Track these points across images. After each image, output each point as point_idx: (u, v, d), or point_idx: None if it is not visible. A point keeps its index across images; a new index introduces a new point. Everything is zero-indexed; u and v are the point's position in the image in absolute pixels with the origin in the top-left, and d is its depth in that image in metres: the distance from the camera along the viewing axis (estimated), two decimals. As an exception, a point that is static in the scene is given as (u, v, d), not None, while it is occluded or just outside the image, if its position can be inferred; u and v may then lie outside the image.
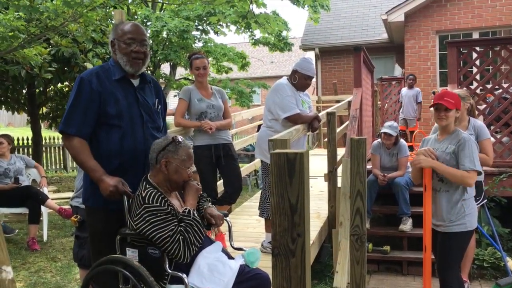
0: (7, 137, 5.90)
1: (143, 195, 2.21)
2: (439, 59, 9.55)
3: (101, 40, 8.17)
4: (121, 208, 2.31)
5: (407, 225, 5.00)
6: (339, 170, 5.07)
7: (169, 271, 2.15)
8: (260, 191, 7.58)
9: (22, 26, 5.99)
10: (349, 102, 6.55)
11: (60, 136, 2.43)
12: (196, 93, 4.12)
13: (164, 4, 10.69)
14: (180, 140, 2.36)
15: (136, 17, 10.30)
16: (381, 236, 5.21)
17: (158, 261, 2.17)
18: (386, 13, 9.53)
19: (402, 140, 5.22)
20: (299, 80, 4.04)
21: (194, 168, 2.45)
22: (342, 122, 9.92)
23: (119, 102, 2.32)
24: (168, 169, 2.29)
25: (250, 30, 10.14)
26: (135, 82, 2.44)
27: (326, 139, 5.34)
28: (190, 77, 12.65)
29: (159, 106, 2.53)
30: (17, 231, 5.54)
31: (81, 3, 5.21)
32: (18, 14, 5.89)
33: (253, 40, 12.26)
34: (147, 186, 2.28)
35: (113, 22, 8.68)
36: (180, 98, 4.20)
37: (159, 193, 2.24)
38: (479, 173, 3.16)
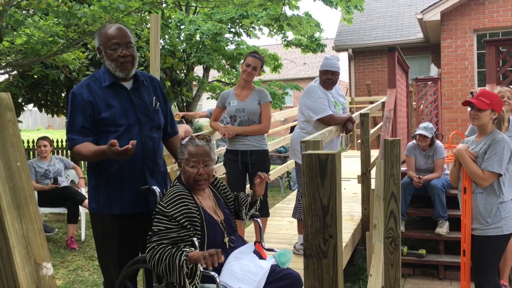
0: (48, 139, 6.11)
1: (168, 190, 2.27)
2: (477, 58, 9.29)
3: (136, 44, 8.34)
4: (124, 213, 2.37)
5: (443, 228, 4.88)
6: (373, 172, 5.00)
7: (201, 269, 2.17)
8: (292, 193, 7.59)
9: (61, 31, 6.18)
10: (383, 103, 6.45)
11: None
12: (231, 96, 4.04)
13: (198, 8, 10.82)
14: (186, 140, 2.38)
15: (170, 21, 10.47)
16: (416, 239, 5.10)
17: (191, 260, 2.20)
18: (422, 12, 9.34)
19: (438, 142, 5.10)
20: (320, 78, 4.02)
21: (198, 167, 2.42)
22: (375, 124, 9.78)
23: (112, 107, 2.33)
24: (182, 170, 2.34)
25: (283, 32, 10.13)
26: (128, 84, 2.42)
27: (359, 141, 5.29)
28: (222, 79, 12.75)
29: (157, 104, 2.49)
30: (56, 230, 5.71)
31: (117, 9, 5.34)
32: (57, 20, 6.09)
33: (286, 42, 12.24)
34: (177, 182, 2.33)
35: (148, 26, 8.86)
36: (216, 104, 4.21)
37: (185, 191, 2.26)
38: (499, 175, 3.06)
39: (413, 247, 4.99)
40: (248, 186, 4.43)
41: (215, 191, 2.48)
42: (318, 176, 1.27)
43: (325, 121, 3.88)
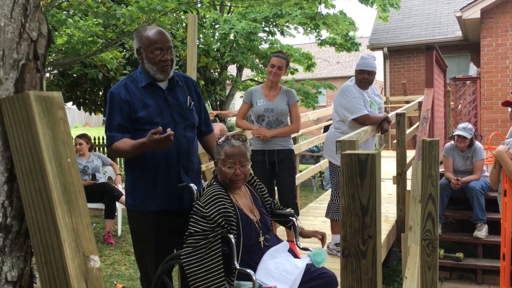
0: (86, 137, 6.27)
1: (205, 190, 2.30)
2: (519, 57, 9.00)
3: (172, 43, 8.48)
4: (159, 210, 2.41)
5: (482, 232, 4.76)
6: (409, 173, 4.92)
7: (238, 267, 2.19)
8: (325, 192, 7.54)
9: (100, 31, 6.35)
10: (420, 103, 6.33)
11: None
12: (259, 94, 4.01)
13: (232, 7, 10.89)
14: (222, 139, 2.40)
15: (204, 20, 10.58)
16: (453, 242, 4.99)
17: (227, 257, 2.22)
18: (461, 9, 9.11)
19: (477, 143, 4.98)
20: (356, 78, 3.98)
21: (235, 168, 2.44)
22: (411, 124, 9.60)
23: (148, 107, 2.38)
24: (219, 169, 2.37)
25: (317, 30, 10.08)
26: (163, 84, 2.47)
27: (395, 141, 5.21)
28: (256, 78, 12.78)
29: (192, 103, 2.53)
30: (94, 225, 5.87)
31: (154, 9, 5.44)
32: (96, 21, 6.25)
33: (320, 41, 12.17)
34: (214, 182, 2.36)
35: (183, 25, 8.98)
36: (243, 100, 4.20)
37: (221, 191, 2.29)
38: None
39: (450, 250, 4.89)
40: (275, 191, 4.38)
41: (252, 190, 2.50)
42: (358, 176, 1.27)
43: (361, 121, 3.85)
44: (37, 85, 1.24)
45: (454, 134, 5.01)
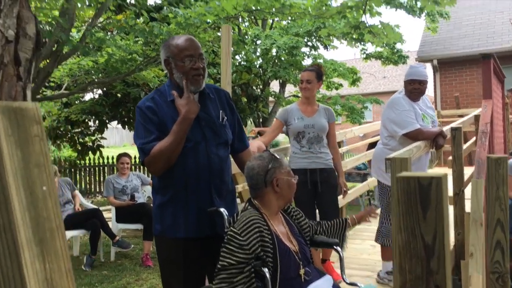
0: (129, 156, 6.20)
1: (240, 215, 2.03)
2: None
3: (213, 61, 8.38)
4: (189, 237, 2.18)
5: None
6: (467, 192, 4.49)
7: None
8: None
9: (141, 50, 6.30)
10: (476, 116, 5.86)
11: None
12: (296, 111, 3.78)
13: (274, 23, 10.74)
14: (276, 154, 2.16)
15: (246, 37, 10.47)
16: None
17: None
18: (517, 16, 8.54)
19: (546, 159, 4.47)
20: (406, 89, 3.66)
21: (296, 177, 2.21)
22: (466, 139, 9.01)
23: None
24: (280, 187, 2.08)
25: (363, 43, 9.73)
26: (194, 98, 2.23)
27: (450, 157, 4.78)
28: (299, 94, 12.52)
29: (224, 118, 2.29)
30: (132, 246, 5.73)
31: (192, 24, 5.31)
32: (137, 39, 6.22)
33: (365, 55, 11.80)
34: (249, 207, 2.10)
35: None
36: (275, 118, 3.96)
37: (258, 216, 2.01)
38: None
39: (517, 280, 4.37)
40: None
41: (288, 219, 2.21)
42: (419, 206, 0.98)
43: (412, 136, 3.49)
44: (19, 96, 1.02)
45: (518, 149, 4.53)
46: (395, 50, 11.42)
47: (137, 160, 12.64)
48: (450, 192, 4.67)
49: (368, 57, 11.86)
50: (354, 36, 4.13)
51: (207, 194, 2.20)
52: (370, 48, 11.54)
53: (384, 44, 9.62)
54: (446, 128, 4.50)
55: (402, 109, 3.53)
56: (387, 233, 3.70)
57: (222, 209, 2.17)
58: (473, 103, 11.19)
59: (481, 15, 12.39)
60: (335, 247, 2.24)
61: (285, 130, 6.73)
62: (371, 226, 5.52)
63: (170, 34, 5.28)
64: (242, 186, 3.39)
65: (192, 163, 2.17)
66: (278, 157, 2.13)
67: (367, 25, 3.99)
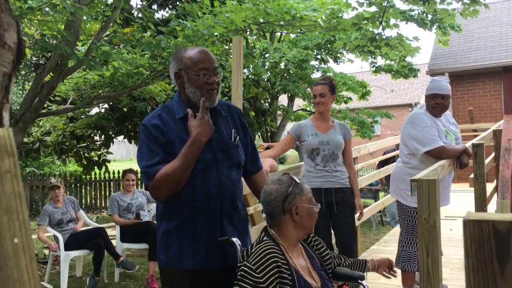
0: (134, 173, 6.01)
1: (255, 247, 1.81)
2: None
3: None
4: (197, 269, 1.96)
5: None
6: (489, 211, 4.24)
7: None
8: (388, 232, 6.83)
9: (147, 63, 6.15)
10: (495, 132, 5.63)
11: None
12: (310, 127, 3.62)
13: (282, 36, 10.60)
14: (297, 178, 1.94)
15: (254, 50, 10.33)
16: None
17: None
18: (533, 28, 8.33)
19: None
20: (427, 104, 3.46)
21: (319, 205, 1.99)
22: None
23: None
24: (300, 215, 1.87)
25: (373, 56, 9.54)
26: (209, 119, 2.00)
27: (471, 175, 4.54)
28: (307, 108, 12.32)
29: (237, 138, 2.09)
30: (137, 267, 5.50)
31: (201, 37, 5.15)
32: (143, 53, 6.07)
33: (375, 68, 11.60)
34: (265, 238, 1.88)
35: (231, 56, 8.73)
36: (288, 132, 3.78)
37: (275, 248, 1.79)
38: None
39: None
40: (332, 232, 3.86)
41: (308, 249, 1.99)
42: (495, 258, 0.77)
43: (435, 154, 3.28)
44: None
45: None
46: (406, 64, 11.21)
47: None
48: (467, 209, 4.43)
49: (377, 70, 11.66)
50: (370, 49, 3.93)
51: (218, 221, 1.99)
52: (380, 62, 11.31)
53: (401, 57, 9.39)
54: (467, 145, 4.28)
55: (424, 126, 3.33)
56: (408, 258, 3.47)
57: (234, 239, 1.96)
58: (486, 117, 10.96)
59: (493, 28, 12.20)
60: (359, 281, 2.01)
61: (296, 146, 6.47)
62: (387, 247, 5.28)
63: (177, 47, 5.12)
64: (253, 208, 3.17)
65: (202, 187, 1.97)
66: (299, 181, 1.92)
67: (384, 37, 3.79)
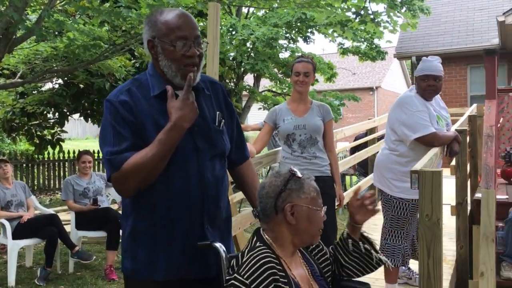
0: (90, 154, 5.53)
1: (247, 255, 1.47)
2: None
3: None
4: (171, 280, 1.62)
5: None
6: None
7: None
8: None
9: (106, 36, 5.63)
10: (470, 117, 5.49)
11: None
12: (286, 111, 3.33)
13: (250, 12, 10.16)
14: (298, 171, 1.61)
15: (220, 27, 9.86)
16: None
17: None
18: (504, 14, 8.27)
19: (558, 167, 4.12)
20: (418, 86, 3.21)
21: (325, 208, 1.64)
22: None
23: (162, 127, 1.55)
24: (296, 217, 1.53)
25: (344, 36, 9.24)
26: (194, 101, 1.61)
27: (453, 163, 4.39)
28: (274, 89, 12.00)
29: (222, 122, 1.73)
30: (94, 257, 5.07)
31: (167, 5, 4.69)
32: (102, 23, 5.56)
33: (342, 50, 11.40)
34: (257, 244, 1.54)
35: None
36: (264, 121, 3.49)
37: (270, 256, 1.47)
38: None
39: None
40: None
41: (307, 255, 1.66)
42: None
43: (426, 141, 3.03)
44: None
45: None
46: (374, 46, 11.05)
47: (101, 155, 11.84)
48: (449, 198, 4.29)
49: (345, 52, 11.47)
50: (354, 25, 3.62)
51: (198, 224, 1.63)
52: (347, 43, 11.11)
53: (369, 39, 9.16)
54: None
55: (415, 110, 3.06)
56: (392, 252, 3.23)
57: (218, 244, 1.61)
58: (451, 102, 10.97)
59: (460, 12, 12.20)
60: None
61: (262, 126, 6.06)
62: (373, 239, 5.08)
63: (141, 17, 4.64)
64: (230, 198, 2.83)
65: (179, 182, 1.60)
66: (300, 176, 1.58)
67: (370, 11, 3.49)
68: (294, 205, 1.53)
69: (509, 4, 10.29)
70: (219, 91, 1.78)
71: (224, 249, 1.60)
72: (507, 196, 4.63)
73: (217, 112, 1.70)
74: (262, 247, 1.50)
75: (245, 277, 1.40)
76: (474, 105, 6.76)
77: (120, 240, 1.99)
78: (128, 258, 1.69)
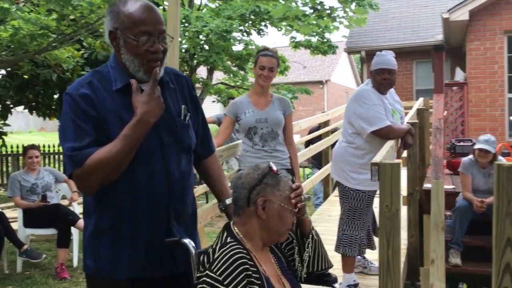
0: (37, 148, 5.29)
1: (216, 255, 1.45)
2: (508, 62, 8.57)
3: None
4: (136, 278, 1.57)
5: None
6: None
7: None
8: (315, 211, 6.72)
9: (54, 24, 5.38)
10: (419, 110, 5.70)
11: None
12: (247, 104, 3.34)
13: (203, 4, 10.02)
14: (277, 168, 1.60)
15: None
16: (478, 274, 4.32)
17: None
18: (448, 11, 8.60)
19: (501, 158, 4.35)
20: (374, 79, 3.30)
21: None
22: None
23: (125, 122, 1.50)
24: (267, 212, 1.53)
25: (295, 30, 9.28)
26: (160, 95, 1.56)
27: (404, 154, 4.53)
28: (227, 82, 11.94)
29: (187, 116, 1.69)
30: (44, 256, 4.88)
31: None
32: (49, 11, 5.31)
33: (294, 43, 11.49)
34: (228, 239, 1.52)
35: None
36: (225, 114, 3.48)
37: (242, 252, 1.46)
38: None
39: (474, 285, 4.22)
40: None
41: (275, 249, 1.66)
42: None
43: (382, 134, 3.12)
44: None
45: (475, 147, 4.34)
46: (325, 40, 11.21)
47: (51, 149, 11.40)
48: (404, 192, 4.44)
49: (297, 45, 11.57)
50: (310, 20, 3.64)
51: (164, 219, 1.59)
52: (299, 37, 11.22)
53: (320, 33, 9.26)
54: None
55: (372, 104, 3.14)
56: (349, 243, 3.31)
57: (187, 240, 1.58)
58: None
59: (406, 9, 12.58)
60: (333, 285, 1.75)
61: (218, 120, 6.01)
62: (318, 226, 5.16)
63: (91, 3, 4.47)
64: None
65: (144, 177, 1.55)
66: (279, 173, 1.57)
67: (326, 7, 3.53)
68: (267, 200, 1.52)
69: (453, 2, 10.72)
70: (184, 84, 1.74)
71: (194, 245, 1.58)
72: (453, 186, 4.85)
73: (182, 106, 1.67)
74: (234, 243, 1.49)
75: (217, 273, 1.39)
76: (421, 99, 7.00)
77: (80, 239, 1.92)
78: (90, 257, 1.63)
